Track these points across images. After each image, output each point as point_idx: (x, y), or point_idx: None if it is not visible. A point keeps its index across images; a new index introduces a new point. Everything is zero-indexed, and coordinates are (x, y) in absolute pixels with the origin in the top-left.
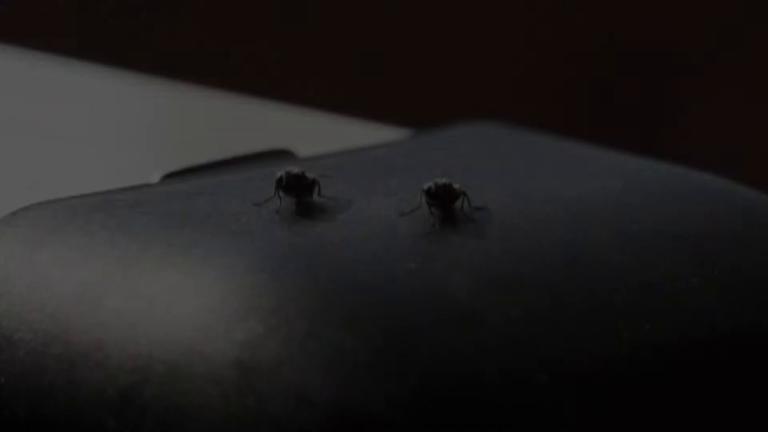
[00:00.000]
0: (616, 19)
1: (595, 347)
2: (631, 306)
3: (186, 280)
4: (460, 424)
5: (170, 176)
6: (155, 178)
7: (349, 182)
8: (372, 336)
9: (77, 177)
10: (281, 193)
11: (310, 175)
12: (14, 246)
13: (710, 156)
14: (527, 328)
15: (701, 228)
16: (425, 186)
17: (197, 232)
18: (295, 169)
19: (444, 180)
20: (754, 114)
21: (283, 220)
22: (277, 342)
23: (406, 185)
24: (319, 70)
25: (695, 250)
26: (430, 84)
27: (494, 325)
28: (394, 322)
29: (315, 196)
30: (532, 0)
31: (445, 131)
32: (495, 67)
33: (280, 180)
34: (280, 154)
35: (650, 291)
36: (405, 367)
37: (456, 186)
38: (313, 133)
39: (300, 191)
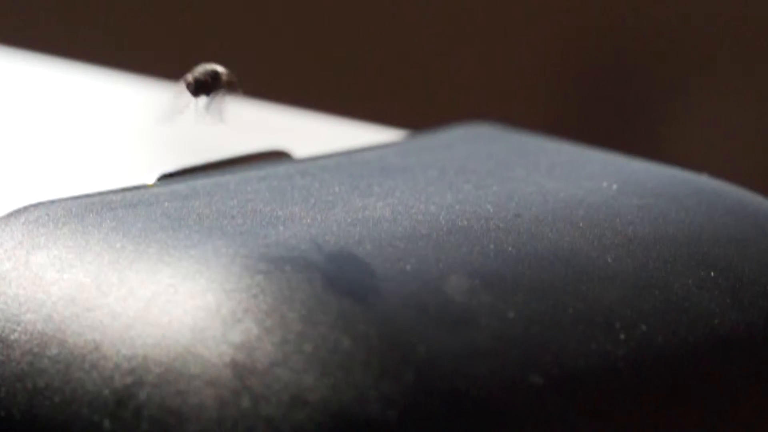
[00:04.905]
0: (614, 19)
1: (590, 348)
2: (627, 307)
3: (182, 281)
4: (455, 425)
5: (166, 177)
6: (151, 178)
7: (344, 183)
8: (367, 337)
9: (73, 177)
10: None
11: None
12: (10, 247)
13: (707, 157)
14: (522, 329)
15: (697, 230)
16: (194, 75)
17: (193, 234)
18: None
19: (212, 67)
20: (752, 114)
21: (279, 221)
22: (273, 343)
23: (401, 186)
24: (318, 70)
25: (691, 251)
26: (428, 85)
27: (489, 327)
28: (389, 324)
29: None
30: (530, 0)
31: (441, 132)
32: (492, 68)
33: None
34: (276, 155)
35: (646, 292)
36: (400, 368)
37: (223, 73)
38: (311, 133)
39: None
